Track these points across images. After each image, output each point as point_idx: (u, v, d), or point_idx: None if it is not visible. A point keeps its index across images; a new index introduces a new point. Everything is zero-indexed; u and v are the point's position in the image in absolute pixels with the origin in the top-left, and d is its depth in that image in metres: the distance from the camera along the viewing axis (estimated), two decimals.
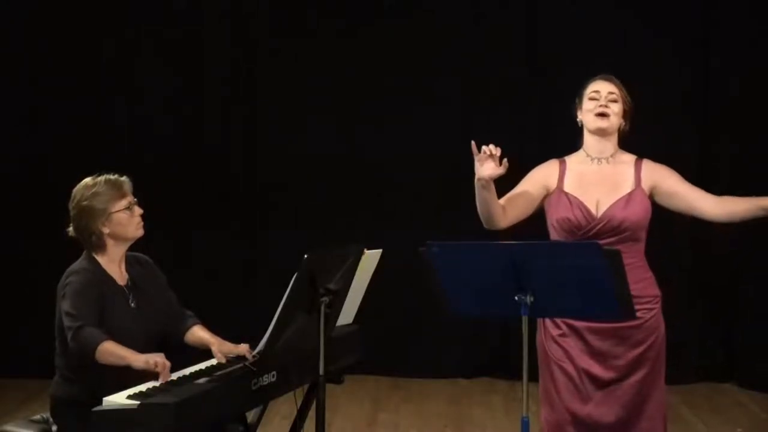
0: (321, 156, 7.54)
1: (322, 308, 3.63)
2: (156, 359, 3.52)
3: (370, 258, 4.07)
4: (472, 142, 3.91)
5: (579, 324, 4.04)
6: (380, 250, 4.14)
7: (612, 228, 4.04)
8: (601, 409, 4.05)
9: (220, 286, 7.48)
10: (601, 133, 4.14)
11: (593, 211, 4.06)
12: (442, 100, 7.52)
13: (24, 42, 7.47)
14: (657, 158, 4.25)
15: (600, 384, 4.05)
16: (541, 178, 4.18)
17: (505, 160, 3.90)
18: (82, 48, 7.47)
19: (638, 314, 3.95)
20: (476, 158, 3.92)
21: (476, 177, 3.94)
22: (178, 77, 7.56)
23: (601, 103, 4.11)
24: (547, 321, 4.10)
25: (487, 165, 3.91)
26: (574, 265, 3.44)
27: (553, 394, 4.11)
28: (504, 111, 7.48)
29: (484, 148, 3.90)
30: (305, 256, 3.57)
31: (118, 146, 7.35)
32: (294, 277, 3.57)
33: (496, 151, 3.89)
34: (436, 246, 3.55)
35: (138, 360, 3.56)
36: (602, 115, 4.11)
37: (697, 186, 4.16)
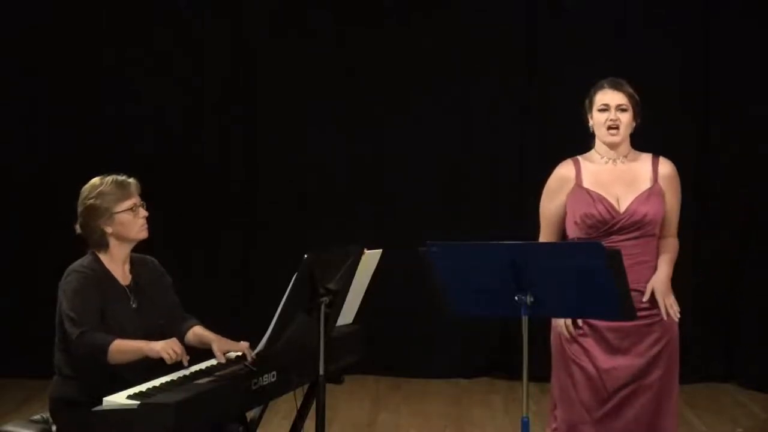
0: (321, 156, 7.53)
1: (322, 308, 3.63)
2: (171, 349, 3.54)
3: (370, 258, 4.07)
4: None
5: (599, 324, 4.06)
6: (380, 250, 4.14)
7: (635, 222, 4.07)
8: (619, 409, 4.07)
9: (220, 286, 7.47)
10: (613, 145, 4.18)
11: (615, 205, 4.08)
12: (442, 101, 7.51)
13: (24, 41, 7.47)
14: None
15: (619, 384, 4.07)
16: (560, 185, 4.21)
17: None
18: (82, 49, 7.46)
19: (655, 311, 4.05)
20: None
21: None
22: (178, 77, 7.55)
23: (611, 117, 4.14)
24: (567, 321, 4.12)
25: None
26: (574, 265, 3.45)
27: (572, 393, 4.12)
28: (504, 111, 7.48)
29: None
30: (305, 256, 3.57)
31: (118, 147, 7.33)
32: (294, 277, 3.57)
33: None
34: (436, 246, 3.55)
35: (153, 349, 3.58)
36: (613, 128, 4.14)
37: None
